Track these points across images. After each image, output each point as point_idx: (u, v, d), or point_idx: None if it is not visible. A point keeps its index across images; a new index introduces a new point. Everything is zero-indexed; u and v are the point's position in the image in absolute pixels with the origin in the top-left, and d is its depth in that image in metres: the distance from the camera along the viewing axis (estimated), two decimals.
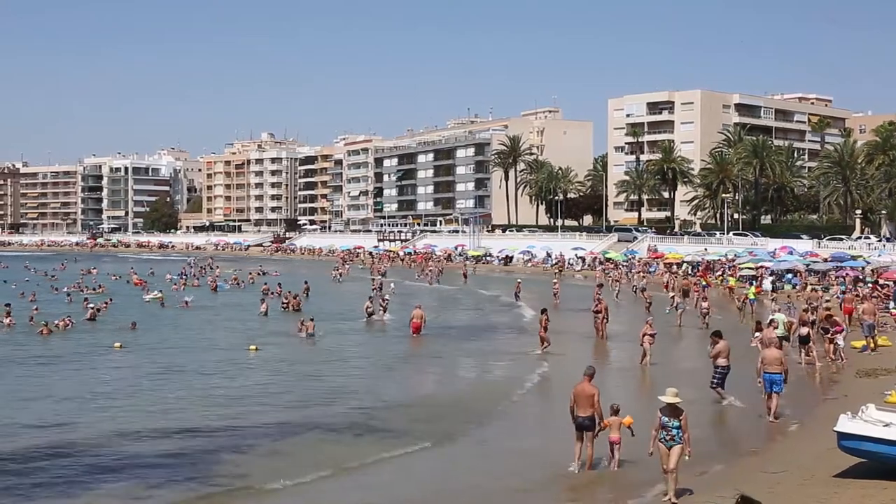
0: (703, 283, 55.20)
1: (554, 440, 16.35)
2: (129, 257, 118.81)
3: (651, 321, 26.81)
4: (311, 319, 34.26)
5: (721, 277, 60.40)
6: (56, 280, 63.64)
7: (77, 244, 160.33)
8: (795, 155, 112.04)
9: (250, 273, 69.84)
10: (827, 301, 38.97)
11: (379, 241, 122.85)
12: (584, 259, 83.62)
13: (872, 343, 27.05)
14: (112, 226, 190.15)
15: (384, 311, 40.94)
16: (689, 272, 64.53)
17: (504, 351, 30.62)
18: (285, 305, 44.53)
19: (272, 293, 49.40)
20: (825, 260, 60.52)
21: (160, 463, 15.52)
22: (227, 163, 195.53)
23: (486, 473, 15.02)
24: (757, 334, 21.72)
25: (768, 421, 18.03)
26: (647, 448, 12.94)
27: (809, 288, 50.09)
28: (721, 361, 19.62)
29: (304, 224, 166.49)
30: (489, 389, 23.70)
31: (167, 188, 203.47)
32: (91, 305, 40.52)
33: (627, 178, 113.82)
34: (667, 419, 12.53)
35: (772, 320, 25.55)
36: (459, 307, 49.57)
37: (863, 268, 54.77)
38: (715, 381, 19.64)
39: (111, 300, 45.93)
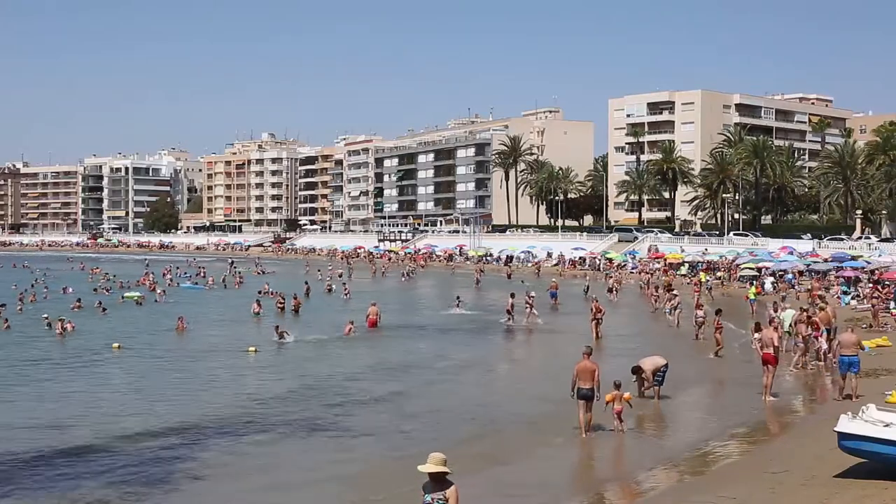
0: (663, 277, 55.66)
1: None
2: (130, 257, 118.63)
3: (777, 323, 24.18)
4: (278, 326, 32.49)
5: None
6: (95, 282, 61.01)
7: (78, 244, 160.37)
8: (796, 155, 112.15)
9: (241, 273, 69.88)
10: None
11: (379, 241, 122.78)
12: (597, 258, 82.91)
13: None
14: (113, 226, 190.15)
15: (531, 308, 36.80)
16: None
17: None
18: (281, 306, 44.34)
19: (273, 293, 49.41)
20: (825, 260, 60.49)
21: (150, 464, 15.45)
22: (228, 163, 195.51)
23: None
24: (756, 335, 21.61)
25: (843, 400, 18.38)
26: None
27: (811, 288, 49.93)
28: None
29: (305, 224, 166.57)
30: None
31: (168, 188, 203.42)
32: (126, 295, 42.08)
33: (628, 178, 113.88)
34: (430, 498, 8.59)
35: (772, 319, 25.41)
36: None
37: (862, 268, 54.69)
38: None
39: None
